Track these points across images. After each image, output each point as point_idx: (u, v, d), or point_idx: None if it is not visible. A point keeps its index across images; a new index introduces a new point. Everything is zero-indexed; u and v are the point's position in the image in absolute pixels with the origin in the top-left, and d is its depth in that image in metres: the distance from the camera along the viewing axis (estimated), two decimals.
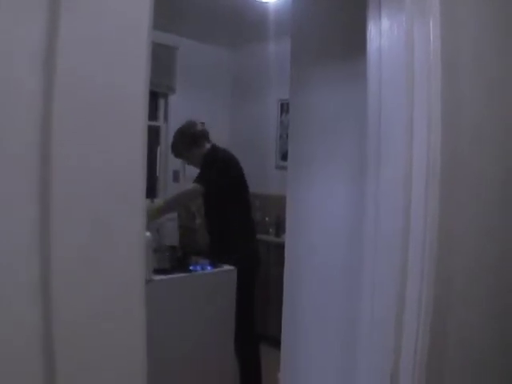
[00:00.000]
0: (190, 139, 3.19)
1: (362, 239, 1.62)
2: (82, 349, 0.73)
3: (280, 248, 3.94)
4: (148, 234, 2.19)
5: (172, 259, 2.79)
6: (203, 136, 3.22)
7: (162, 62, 4.93)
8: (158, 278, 2.58)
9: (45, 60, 0.68)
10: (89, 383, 0.74)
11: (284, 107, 5.03)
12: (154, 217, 2.85)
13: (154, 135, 5.10)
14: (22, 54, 0.67)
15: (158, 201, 3.07)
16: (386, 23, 1.55)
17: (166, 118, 5.38)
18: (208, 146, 3.22)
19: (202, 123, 3.32)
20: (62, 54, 0.69)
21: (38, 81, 0.67)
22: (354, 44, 1.76)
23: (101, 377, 0.76)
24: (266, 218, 4.88)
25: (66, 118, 0.70)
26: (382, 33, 1.54)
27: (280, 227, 4.55)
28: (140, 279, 0.77)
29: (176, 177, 5.40)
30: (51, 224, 0.67)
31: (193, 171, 5.62)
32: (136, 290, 0.76)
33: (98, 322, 0.75)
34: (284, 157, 4.69)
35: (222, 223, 3.17)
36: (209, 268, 2.88)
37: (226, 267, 2.94)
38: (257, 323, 3.21)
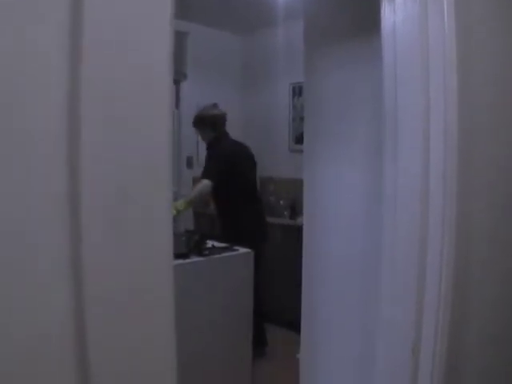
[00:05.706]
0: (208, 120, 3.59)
1: (378, 219, 1.62)
2: (114, 326, 0.75)
3: (295, 231, 3.97)
4: None
5: (189, 244, 2.79)
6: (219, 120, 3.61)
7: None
8: (175, 262, 2.58)
9: (71, 36, 0.69)
10: (120, 364, 0.75)
11: (296, 90, 4.99)
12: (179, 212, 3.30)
13: None
14: (49, 32, 0.68)
15: (180, 202, 3.34)
16: None
17: (177, 104, 5.37)
18: (214, 133, 3.59)
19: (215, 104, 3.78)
20: (88, 31, 0.70)
21: (65, 59, 0.69)
22: (367, 23, 1.75)
23: (131, 356, 0.77)
24: (281, 202, 4.89)
25: (93, 96, 0.71)
26: (396, 9, 1.53)
27: (294, 210, 4.56)
28: (168, 254, 0.78)
29: (189, 163, 5.41)
30: (81, 198, 0.69)
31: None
32: (164, 265, 0.77)
33: (128, 297, 0.76)
34: (298, 140, 4.66)
35: (228, 206, 3.62)
36: (226, 252, 2.89)
37: (243, 250, 2.95)
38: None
